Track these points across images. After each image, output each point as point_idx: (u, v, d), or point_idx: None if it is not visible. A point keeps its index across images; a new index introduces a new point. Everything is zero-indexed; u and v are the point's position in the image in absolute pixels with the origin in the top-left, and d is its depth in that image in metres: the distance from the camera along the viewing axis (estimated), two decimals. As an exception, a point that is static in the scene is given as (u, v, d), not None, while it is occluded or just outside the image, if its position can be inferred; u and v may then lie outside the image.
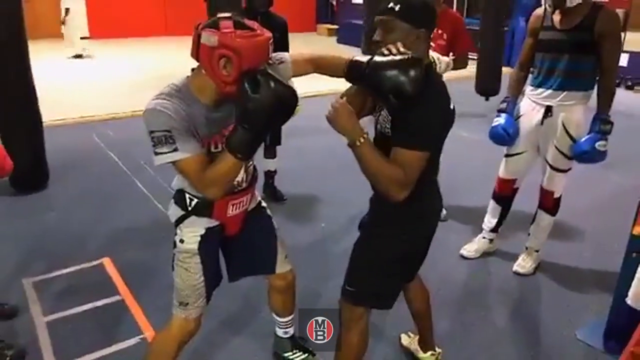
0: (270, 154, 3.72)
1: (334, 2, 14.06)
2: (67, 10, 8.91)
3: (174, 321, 1.77)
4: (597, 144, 2.55)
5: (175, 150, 1.43)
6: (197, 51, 1.44)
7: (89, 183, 4.09)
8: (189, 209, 1.67)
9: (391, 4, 1.53)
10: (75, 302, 2.56)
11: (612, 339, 2.33)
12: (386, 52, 1.48)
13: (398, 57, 1.45)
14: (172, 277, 1.75)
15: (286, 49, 3.43)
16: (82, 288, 2.69)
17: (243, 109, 1.41)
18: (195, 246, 1.70)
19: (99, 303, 2.56)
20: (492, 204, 3.07)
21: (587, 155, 2.58)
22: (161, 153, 1.44)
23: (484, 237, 3.14)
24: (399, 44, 1.49)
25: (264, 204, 1.94)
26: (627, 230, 2.27)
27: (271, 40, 1.47)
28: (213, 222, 1.71)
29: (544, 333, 2.49)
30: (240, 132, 1.43)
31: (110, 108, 6.02)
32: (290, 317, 2.10)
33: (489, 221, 3.10)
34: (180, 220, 1.70)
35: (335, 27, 13.28)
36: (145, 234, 3.25)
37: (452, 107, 1.64)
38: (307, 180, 4.22)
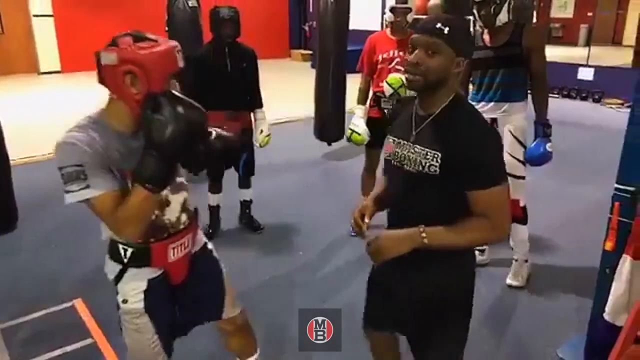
0: (245, 184, 3.69)
1: (307, 28, 14.23)
2: None
3: None
4: (547, 146, 2.77)
5: (87, 187, 1.30)
6: (100, 75, 1.35)
7: (60, 220, 3.98)
8: (125, 260, 1.50)
9: (439, 25, 1.37)
10: (46, 348, 2.46)
11: (593, 356, 2.32)
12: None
13: None
14: (122, 339, 1.59)
15: (256, 79, 3.44)
16: (52, 333, 2.59)
17: (147, 134, 1.29)
18: (140, 305, 1.52)
19: (70, 348, 2.47)
20: None
21: (542, 157, 2.80)
22: (71, 191, 1.30)
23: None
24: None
25: (210, 245, 1.78)
26: (600, 244, 2.29)
27: (178, 49, 1.37)
28: (155, 272, 1.54)
29: (524, 351, 2.48)
30: (147, 160, 1.29)
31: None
32: (253, 357, 1.93)
33: None
34: (119, 277, 1.52)
35: (309, 52, 13.40)
36: (119, 272, 3.15)
37: None
38: (283, 209, 4.17)
